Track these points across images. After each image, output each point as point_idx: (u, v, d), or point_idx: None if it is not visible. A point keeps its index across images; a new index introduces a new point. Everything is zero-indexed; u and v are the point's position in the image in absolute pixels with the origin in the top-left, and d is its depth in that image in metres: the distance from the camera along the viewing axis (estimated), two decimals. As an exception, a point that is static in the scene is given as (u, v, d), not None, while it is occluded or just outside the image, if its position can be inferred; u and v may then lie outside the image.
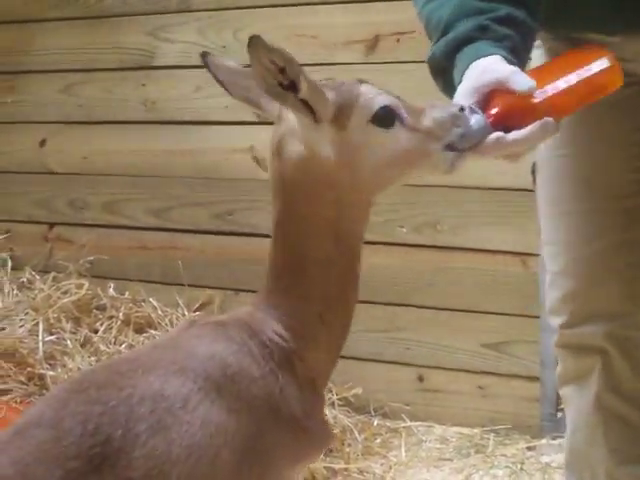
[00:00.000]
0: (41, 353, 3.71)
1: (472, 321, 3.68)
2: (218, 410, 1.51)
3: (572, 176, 2.14)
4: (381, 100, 1.61)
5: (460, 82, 1.68)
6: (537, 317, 3.52)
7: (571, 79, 1.68)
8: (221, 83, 1.69)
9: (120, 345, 3.88)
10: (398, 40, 3.69)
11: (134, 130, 4.27)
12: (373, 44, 3.75)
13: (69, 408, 1.50)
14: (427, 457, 3.56)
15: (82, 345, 3.86)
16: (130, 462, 1.45)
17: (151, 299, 4.12)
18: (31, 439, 1.46)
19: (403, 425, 3.74)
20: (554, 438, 3.54)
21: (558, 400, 3.55)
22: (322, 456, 3.10)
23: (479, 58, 1.67)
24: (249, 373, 1.56)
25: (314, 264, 1.62)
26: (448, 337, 3.74)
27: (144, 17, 4.18)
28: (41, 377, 3.64)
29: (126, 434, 1.47)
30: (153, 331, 4.01)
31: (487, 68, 1.65)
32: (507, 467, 3.45)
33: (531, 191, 3.48)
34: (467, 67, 1.68)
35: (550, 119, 1.61)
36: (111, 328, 4.00)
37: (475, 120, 1.61)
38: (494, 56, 1.67)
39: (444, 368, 3.76)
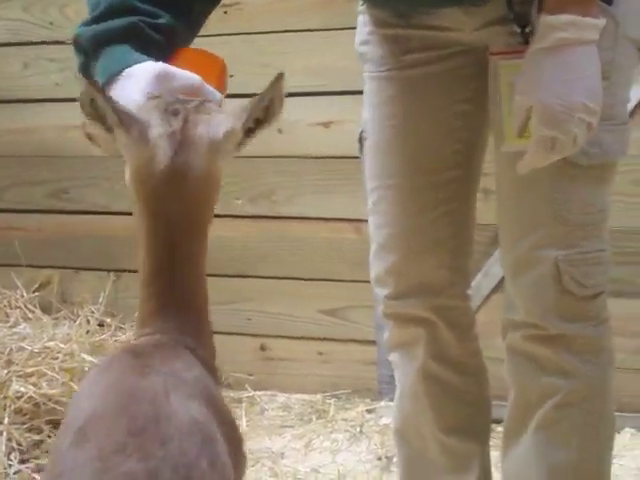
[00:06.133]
0: None
1: (310, 289, 3.73)
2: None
3: (397, 149, 2.13)
4: None
5: (105, 80, 1.67)
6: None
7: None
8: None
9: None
10: (225, 12, 3.68)
11: (-36, 109, 4.17)
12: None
13: None
14: (269, 425, 3.60)
15: None
16: None
17: (-12, 282, 4.07)
18: None
19: (246, 395, 3.77)
20: (392, 400, 3.59)
21: (395, 362, 3.62)
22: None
23: (129, 65, 1.66)
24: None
25: (198, 268, 1.55)
26: (288, 306, 3.77)
27: (-33, -6, 4.07)
28: None
29: None
30: (-9, 314, 3.95)
31: (166, 72, 1.65)
32: (347, 431, 3.51)
33: (357, 158, 3.53)
34: (118, 72, 1.66)
35: None
36: (-54, 313, 3.91)
37: None
38: (145, 63, 1.67)
39: (285, 336, 3.80)
